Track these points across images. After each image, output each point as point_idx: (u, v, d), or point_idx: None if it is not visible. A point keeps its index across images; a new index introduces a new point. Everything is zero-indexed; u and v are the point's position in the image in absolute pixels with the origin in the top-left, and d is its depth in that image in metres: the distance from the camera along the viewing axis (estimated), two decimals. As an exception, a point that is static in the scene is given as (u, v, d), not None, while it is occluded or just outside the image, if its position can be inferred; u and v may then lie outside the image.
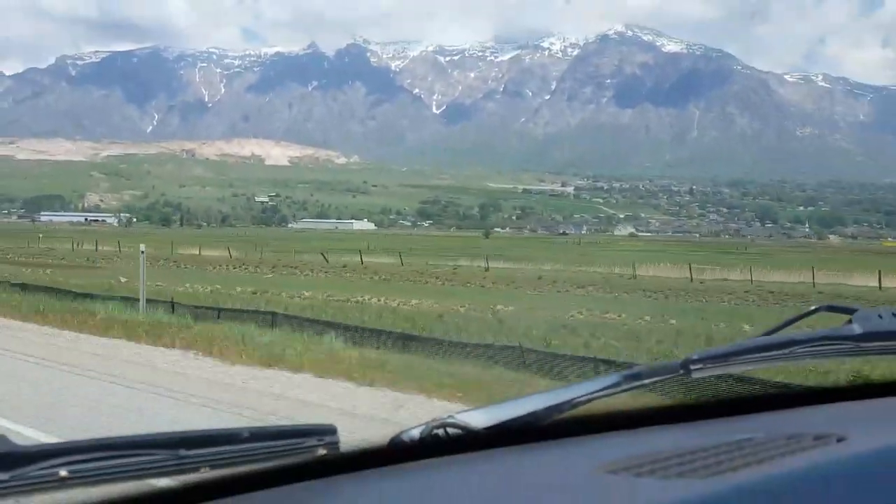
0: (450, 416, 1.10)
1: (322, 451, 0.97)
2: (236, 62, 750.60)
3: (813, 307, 1.47)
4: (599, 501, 0.91)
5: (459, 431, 1.09)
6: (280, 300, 20.07)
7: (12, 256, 47.56)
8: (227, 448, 0.90)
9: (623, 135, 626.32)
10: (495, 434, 1.10)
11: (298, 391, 8.95)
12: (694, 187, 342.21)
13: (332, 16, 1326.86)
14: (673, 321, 18.72)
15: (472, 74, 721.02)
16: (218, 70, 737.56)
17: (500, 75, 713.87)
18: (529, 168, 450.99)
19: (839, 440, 1.04)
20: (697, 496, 0.85)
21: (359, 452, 1.00)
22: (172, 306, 15.51)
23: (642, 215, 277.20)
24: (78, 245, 63.28)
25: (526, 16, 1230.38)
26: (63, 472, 0.80)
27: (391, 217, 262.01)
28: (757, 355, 1.26)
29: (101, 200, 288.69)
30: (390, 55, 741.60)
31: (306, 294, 24.39)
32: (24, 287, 19.38)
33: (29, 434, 6.50)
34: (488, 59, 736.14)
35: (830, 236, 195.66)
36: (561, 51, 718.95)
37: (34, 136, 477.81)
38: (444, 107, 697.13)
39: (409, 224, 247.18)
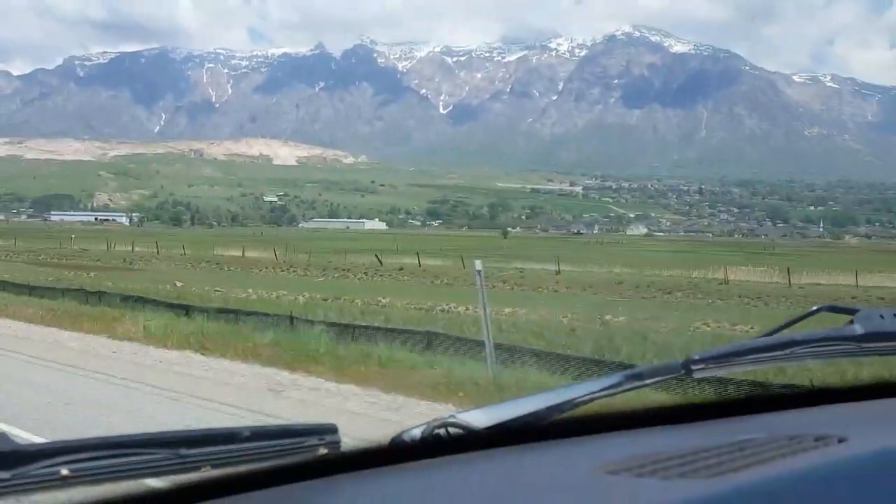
0: (451, 416, 1.11)
1: (323, 451, 0.97)
2: (243, 63, 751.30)
3: (814, 308, 1.47)
4: (600, 502, 0.90)
5: (460, 431, 1.09)
6: (366, 309, 18.31)
7: (45, 258, 46.79)
8: (229, 447, 0.90)
9: (631, 135, 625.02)
10: (496, 434, 1.09)
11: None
12: (703, 187, 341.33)
13: (338, 17, 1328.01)
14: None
15: (479, 75, 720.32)
16: (225, 71, 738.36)
17: (508, 76, 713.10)
18: (537, 168, 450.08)
19: (840, 441, 1.04)
20: (698, 497, 0.85)
21: (360, 452, 1.00)
22: (292, 321, 13.19)
23: (653, 215, 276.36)
24: (111, 246, 61.81)
25: (533, 16, 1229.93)
26: (64, 471, 0.80)
27: (400, 217, 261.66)
28: (758, 356, 1.26)
29: (110, 200, 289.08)
30: (397, 56, 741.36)
31: (383, 301, 22.40)
32: (142, 301, 16.52)
33: None
34: (495, 59, 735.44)
35: (847, 236, 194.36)
36: (568, 51, 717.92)
37: (42, 137, 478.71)
38: (451, 107, 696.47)
39: (418, 224, 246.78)
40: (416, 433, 1.06)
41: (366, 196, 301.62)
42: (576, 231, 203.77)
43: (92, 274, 31.24)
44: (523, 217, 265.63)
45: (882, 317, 1.31)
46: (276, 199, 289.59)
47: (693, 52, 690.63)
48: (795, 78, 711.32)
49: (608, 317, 19.52)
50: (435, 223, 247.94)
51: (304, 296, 23.03)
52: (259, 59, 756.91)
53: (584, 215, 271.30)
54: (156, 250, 55.57)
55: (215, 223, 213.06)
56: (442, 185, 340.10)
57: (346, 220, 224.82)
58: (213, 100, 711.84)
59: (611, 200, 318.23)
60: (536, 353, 10.04)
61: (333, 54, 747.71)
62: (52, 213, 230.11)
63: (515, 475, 1.01)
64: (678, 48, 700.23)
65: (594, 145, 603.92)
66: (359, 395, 8.66)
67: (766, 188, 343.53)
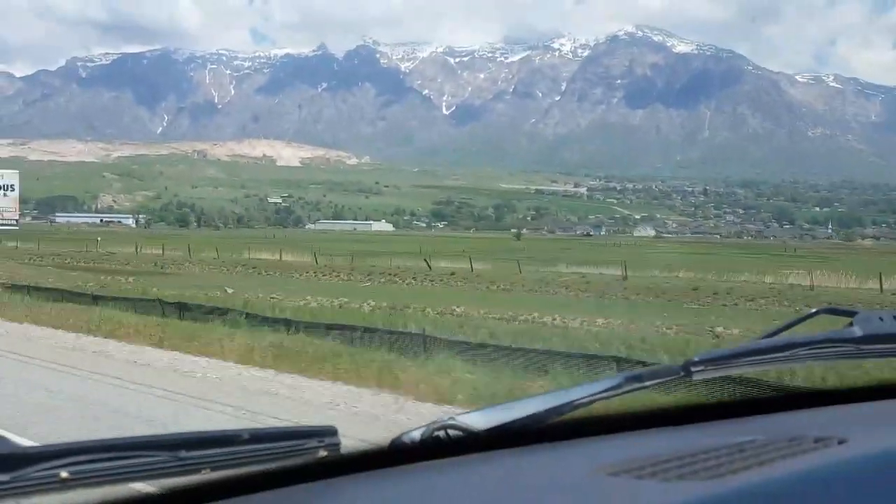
0: (450, 418, 1.10)
1: (323, 453, 0.97)
2: (246, 64, 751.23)
3: (813, 310, 1.49)
4: (600, 503, 0.90)
5: (460, 433, 1.09)
6: (464, 321, 16.74)
7: (71, 261, 45.23)
8: (228, 449, 0.90)
9: (634, 135, 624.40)
10: (496, 436, 1.09)
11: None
12: (707, 188, 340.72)
13: (341, 17, 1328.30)
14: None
15: (482, 75, 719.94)
16: (228, 72, 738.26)
17: (510, 76, 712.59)
18: (540, 169, 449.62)
19: (840, 442, 1.04)
20: (698, 499, 0.85)
21: (359, 454, 1.00)
22: (425, 340, 11.39)
23: (658, 216, 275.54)
24: (138, 249, 59.39)
25: (535, 17, 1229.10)
26: (64, 474, 0.80)
27: (405, 218, 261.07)
28: (758, 358, 1.26)
29: (115, 201, 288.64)
30: (400, 56, 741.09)
31: (457, 310, 20.81)
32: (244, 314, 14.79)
33: None
34: (498, 60, 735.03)
35: (858, 238, 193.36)
36: (571, 52, 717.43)
37: (45, 138, 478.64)
38: (454, 108, 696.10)
39: (423, 225, 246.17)
40: (416, 435, 1.06)
41: (370, 197, 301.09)
42: (585, 233, 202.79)
43: (130, 279, 30.27)
44: (528, 218, 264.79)
45: (881, 319, 1.32)
46: (280, 200, 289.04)
47: (696, 52, 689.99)
48: (798, 78, 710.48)
49: (719, 328, 18.08)
50: (440, 224, 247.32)
51: (369, 304, 21.54)
52: (261, 60, 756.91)
53: (590, 216, 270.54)
54: (186, 253, 53.76)
55: (221, 225, 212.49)
56: (446, 186, 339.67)
57: (352, 221, 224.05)
58: (216, 101, 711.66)
59: (615, 201, 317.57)
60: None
61: (336, 55, 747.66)
62: (58, 214, 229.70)
63: (515, 477, 1.01)
64: (681, 48, 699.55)
65: (597, 145, 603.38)
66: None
67: (771, 189, 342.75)
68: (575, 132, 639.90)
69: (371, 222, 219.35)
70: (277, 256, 51.53)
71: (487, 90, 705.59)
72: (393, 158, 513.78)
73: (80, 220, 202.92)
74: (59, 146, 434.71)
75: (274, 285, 29.72)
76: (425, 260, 43.02)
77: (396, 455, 1.03)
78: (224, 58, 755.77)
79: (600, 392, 1.16)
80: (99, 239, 58.41)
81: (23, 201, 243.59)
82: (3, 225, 26.11)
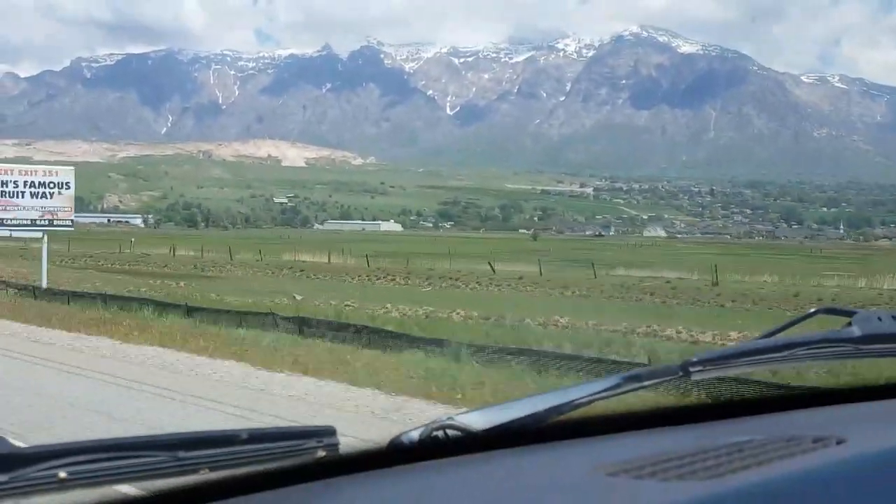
0: (449, 418, 1.10)
1: (321, 453, 0.96)
2: (250, 64, 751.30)
3: (812, 309, 1.49)
4: (599, 503, 0.90)
5: (459, 433, 1.08)
6: (559, 334, 15.36)
7: (104, 263, 43.87)
8: (227, 450, 0.90)
9: (639, 136, 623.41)
10: (495, 436, 1.09)
11: None
12: (714, 188, 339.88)
13: (345, 17, 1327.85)
14: None
15: (487, 76, 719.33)
16: (232, 72, 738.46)
17: (515, 77, 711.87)
18: (544, 169, 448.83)
19: (839, 442, 1.03)
20: (697, 498, 0.84)
21: (358, 454, 0.99)
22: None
23: (666, 216, 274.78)
24: (173, 251, 57.33)
25: (540, 17, 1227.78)
26: (62, 474, 0.80)
27: (411, 218, 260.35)
28: (756, 357, 1.25)
29: (121, 201, 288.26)
30: (404, 57, 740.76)
31: (561, 321, 19.24)
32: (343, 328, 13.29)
33: None
34: (502, 60, 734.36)
35: (874, 239, 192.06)
36: (576, 52, 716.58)
37: (50, 138, 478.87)
38: (458, 108, 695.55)
39: (430, 225, 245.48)
40: (415, 435, 1.06)
41: (375, 197, 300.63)
42: (596, 233, 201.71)
43: (181, 283, 29.01)
44: (535, 219, 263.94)
45: (880, 319, 1.33)
46: (286, 200, 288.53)
47: (701, 52, 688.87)
48: (804, 78, 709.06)
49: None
50: (447, 225, 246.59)
51: (458, 313, 20.02)
52: (266, 61, 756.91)
53: (597, 217, 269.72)
54: (219, 255, 51.81)
55: (230, 225, 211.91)
56: (451, 186, 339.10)
57: (360, 221, 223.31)
58: (220, 101, 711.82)
59: (622, 202, 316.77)
60: None
61: (340, 55, 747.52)
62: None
63: (514, 477, 1.01)
64: (686, 48, 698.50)
65: (602, 146, 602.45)
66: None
67: (777, 189, 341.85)
68: (580, 133, 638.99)
69: (380, 222, 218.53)
70: (315, 258, 49.83)
71: (492, 90, 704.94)
72: (397, 159, 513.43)
73: (87, 220, 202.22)
74: (65, 146, 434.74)
75: (336, 290, 28.43)
76: (489, 263, 40.30)
77: (395, 455, 1.03)
78: (228, 58, 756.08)
79: (599, 392, 1.16)
80: (133, 240, 56.46)
81: None
82: (57, 226, 24.27)
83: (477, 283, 36.02)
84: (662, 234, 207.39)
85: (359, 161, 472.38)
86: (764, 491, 0.86)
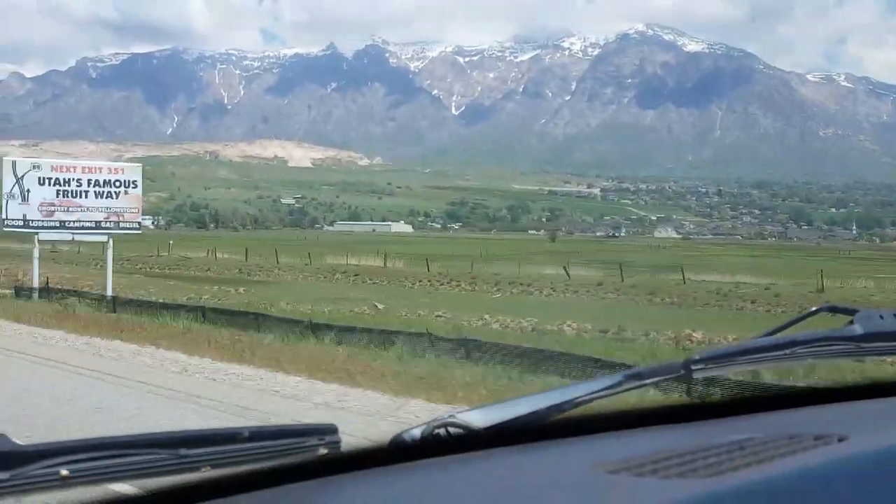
0: (451, 416, 1.10)
1: (323, 451, 0.97)
2: (255, 64, 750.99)
3: (814, 308, 1.49)
4: (600, 501, 0.90)
5: (460, 431, 1.08)
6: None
7: (144, 267, 42.28)
8: (228, 447, 0.90)
9: (645, 135, 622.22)
10: (496, 433, 1.09)
11: None
12: (721, 188, 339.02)
13: (350, 17, 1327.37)
14: None
15: (492, 75, 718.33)
16: (237, 72, 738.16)
17: (520, 76, 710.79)
18: (550, 169, 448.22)
19: (840, 440, 1.03)
20: (698, 496, 0.85)
21: (360, 452, 1.00)
22: None
23: (675, 217, 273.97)
24: (211, 254, 54.50)
25: (545, 16, 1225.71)
26: (64, 472, 0.80)
27: (419, 219, 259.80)
28: (758, 356, 1.26)
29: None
30: (409, 56, 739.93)
31: (695, 335, 16.89)
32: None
33: None
34: (508, 59, 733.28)
35: (893, 240, 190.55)
36: (581, 51, 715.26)
37: (56, 138, 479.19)
38: (464, 107, 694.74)
39: (438, 226, 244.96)
40: (416, 433, 1.06)
41: (382, 198, 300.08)
42: (610, 234, 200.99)
43: (241, 289, 27.52)
44: (544, 219, 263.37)
45: (882, 317, 1.32)
46: (293, 201, 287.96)
47: (707, 51, 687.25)
48: (809, 77, 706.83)
49: None
50: (455, 226, 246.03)
51: (569, 326, 17.90)
52: (271, 60, 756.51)
53: (605, 217, 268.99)
54: (259, 258, 49.48)
55: (240, 226, 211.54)
56: (458, 186, 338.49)
57: (370, 222, 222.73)
58: (226, 101, 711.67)
59: (629, 202, 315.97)
60: None
61: (345, 55, 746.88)
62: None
63: (515, 475, 1.01)
64: (692, 47, 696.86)
65: (608, 145, 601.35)
66: None
67: (785, 190, 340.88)
68: (585, 132, 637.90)
69: (390, 223, 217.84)
70: (360, 261, 48.07)
71: (497, 90, 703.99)
72: (403, 158, 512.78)
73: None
74: (72, 147, 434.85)
75: (409, 297, 26.51)
76: (564, 268, 37.66)
77: (397, 453, 1.03)
78: (233, 58, 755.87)
79: (601, 390, 1.16)
80: (171, 242, 54.21)
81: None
82: (123, 229, 22.15)
83: (551, 288, 33.23)
84: (674, 234, 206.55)
85: (365, 161, 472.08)
86: (765, 489, 0.86)
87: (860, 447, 0.99)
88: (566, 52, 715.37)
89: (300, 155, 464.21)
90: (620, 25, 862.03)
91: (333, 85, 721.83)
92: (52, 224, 21.71)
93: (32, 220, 21.49)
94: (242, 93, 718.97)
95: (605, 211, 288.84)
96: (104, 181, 21.70)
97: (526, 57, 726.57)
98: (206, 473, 0.87)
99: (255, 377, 10.76)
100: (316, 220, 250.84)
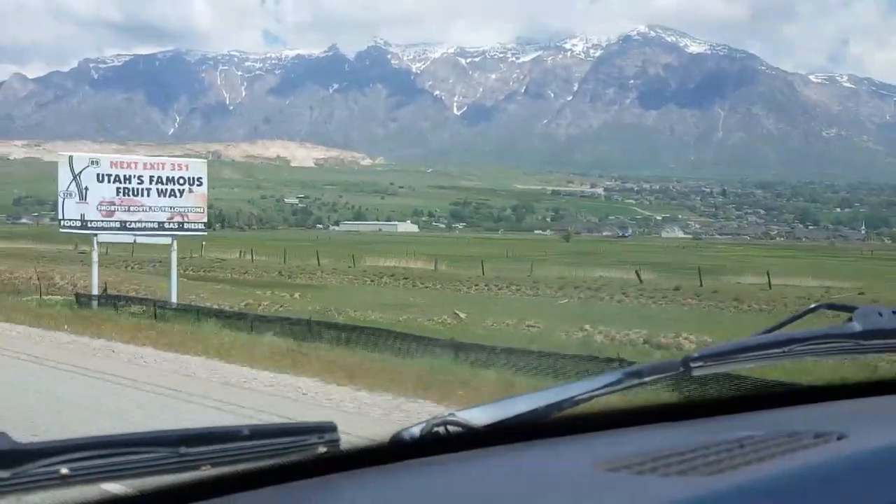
0: (450, 414, 1.10)
1: (323, 449, 0.96)
2: (257, 65, 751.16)
3: (813, 305, 1.48)
4: (600, 499, 0.90)
5: (460, 429, 1.08)
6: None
7: (179, 269, 40.87)
8: (228, 446, 0.89)
9: (647, 136, 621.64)
10: (496, 432, 1.09)
11: None
12: (726, 189, 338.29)
13: (352, 18, 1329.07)
14: None
15: (494, 76, 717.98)
16: (239, 73, 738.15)
17: (522, 77, 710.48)
18: (553, 170, 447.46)
19: (840, 438, 1.03)
20: (698, 494, 0.84)
21: (359, 450, 0.99)
22: None
23: (680, 217, 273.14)
24: (243, 255, 52.03)
25: (547, 17, 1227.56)
26: (64, 470, 0.80)
27: (423, 219, 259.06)
28: (757, 353, 1.25)
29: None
30: (411, 57, 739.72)
31: None
32: None
33: None
34: (509, 60, 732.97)
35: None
36: (583, 52, 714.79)
37: (58, 139, 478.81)
38: (465, 108, 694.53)
39: (442, 226, 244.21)
40: (416, 431, 1.06)
41: (386, 198, 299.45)
42: (619, 234, 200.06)
43: (296, 295, 25.99)
44: (548, 219, 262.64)
45: (880, 314, 1.32)
46: (297, 201, 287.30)
47: (709, 52, 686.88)
48: (812, 78, 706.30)
49: None
50: (460, 226, 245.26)
51: (688, 339, 16.08)
52: (273, 61, 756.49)
53: (610, 217, 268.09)
54: (289, 259, 46.78)
55: (245, 226, 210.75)
56: (461, 187, 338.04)
57: (375, 222, 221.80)
58: (227, 102, 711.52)
59: (634, 202, 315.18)
60: None
61: (347, 56, 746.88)
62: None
63: (514, 473, 1.01)
64: (694, 48, 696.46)
65: (610, 146, 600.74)
66: None
67: (789, 190, 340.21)
68: (587, 133, 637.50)
69: (396, 223, 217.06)
70: (401, 263, 45.75)
71: (499, 91, 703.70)
72: (405, 159, 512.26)
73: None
74: (74, 147, 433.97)
75: (474, 303, 24.32)
76: (636, 272, 34.69)
77: (396, 451, 1.03)
78: (235, 59, 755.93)
79: (600, 388, 1.15)
80: (204, 243, 51.32)
81: (39, 203, 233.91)
82: (188, 230, 20.36)
83: (623, 293, 30.75)
84: (681, 234, 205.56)
85: (367, 161, 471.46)
86: (765, 487, 0.86)
87: (860, 445, 0.99)
88: (568, 54, 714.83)
89: (303, 155, 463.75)
90: (623, 27, 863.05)
91: (335, 86, 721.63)
92: (113, 225, 19.99)
93: (91, 221, 19.80)
94: (244, 94, 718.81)
95: (609, 211, 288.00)
96: (167, 178, 20.01)
97: (528, 58, 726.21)
98: (207, 472, 0.87)
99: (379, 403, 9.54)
100: (320, 219, 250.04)
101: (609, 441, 1.13)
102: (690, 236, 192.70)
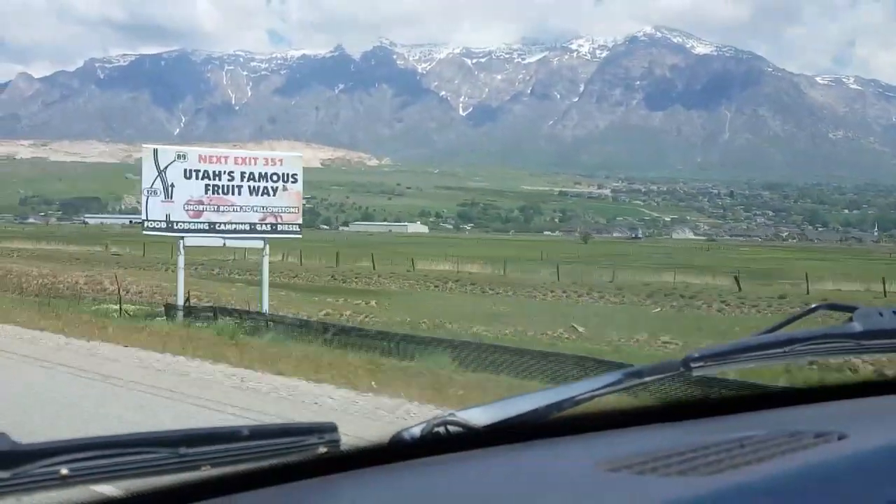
0: (451, 414, 1.10)
1: (323, 449, 0.96)
2: (263, 65, 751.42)
3: (813, 305, 1.48)
4: (600, 499, 0.90)
5: (460, 429, 1.08)
6: None
7: (221, 272, 38.47)
8: (229, 446, 0.89)
9: (653, 137, 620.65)
10: (496, 432, 1.09)
11: None
12: (733, 190, 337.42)
13: (357, 18, 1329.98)
14: None
15: (499, 76, 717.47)
16: (244, 73, 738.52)
17: (528, 77, 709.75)
18: (559, 171, 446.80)
19: (840, 438, 1.03)
20: (699, 494, 0.84)
21: (360, 451, 0.99)
22: None
23: (689, 218, 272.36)
24: (285, 257, 48.88)
25: (553, 18, 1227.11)
26: (64, 471, 0.79)
27: (431, 220, 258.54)
28: (758, 353, 1.25)
29: (139, 202, 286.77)
30: (416, 57, 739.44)
31: None
32: None
33: None
34: (515, 61, 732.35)
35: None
36: (589, 53, 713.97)
37: (65, 138, 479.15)
38: (471, 109, 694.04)
39: (450, 227, 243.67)
40: (416, 431, 1.06)
41: (393, 199, 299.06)
42: (633, 235, 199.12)
43: (372, 302, 24.74)
44: (556, 220, 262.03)
45: (881, 314, 1.32)
46: (304, 201, 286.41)
47: (715, 53, 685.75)
48: (818, 80, 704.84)
49: None
50: (468, 227, 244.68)
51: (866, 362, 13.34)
52: (278, 61, 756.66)
53: (618, 218, 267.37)
54: (361, 264, 44.48)
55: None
56: (468, 187, 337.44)
57: (384, 223, 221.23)
58: (233, 102, 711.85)
59: (641, 203, 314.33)
60: None
61: (352, 56, 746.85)
62: (86, 215, 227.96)
63: (515, 473, 1.00)
64: (700, 49, 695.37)
65: (616, 147, 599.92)
66: None
67: (797, 191, 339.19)
68: (593, 134, 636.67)
69: (406, 224, 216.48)
70: (457, 266, 43.36)
71: (505, 91, 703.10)
72: (411, 159, 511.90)
73: (117, 222, 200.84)
74: (81, 147, 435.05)
75: (561, 313, 22.66)
76: (735, 278, 32.07)
77: (396, 451, 1.03)
78: (241, 59, 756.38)
79: (600, 388, 1.15)
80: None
81: (46, 202, 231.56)
82: (281, 233, 18.60)
83: (723, 302, 28.34)
84: (691, 236, 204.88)
85: (374, 162, 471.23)
86: (765, 486, 0.86)
87: (860, 445, 0.99)
88: (574, 54, 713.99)
89: (309, 155, 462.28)
90: (629, 28, 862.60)
91: (341, 86, 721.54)
92: (201, 227, 18.02)
93: (177, 222, 17.90)
94: (250, 94, 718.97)
95: (617, 212, 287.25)
96: (259, 174, 18.05)
97: (534, 59, 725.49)
98: (207, 472, 0.87)
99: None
100: (328, 220, 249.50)
101: (609, 441, 1.13)
102: (704, 238, 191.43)
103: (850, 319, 1.29)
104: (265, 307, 18.26)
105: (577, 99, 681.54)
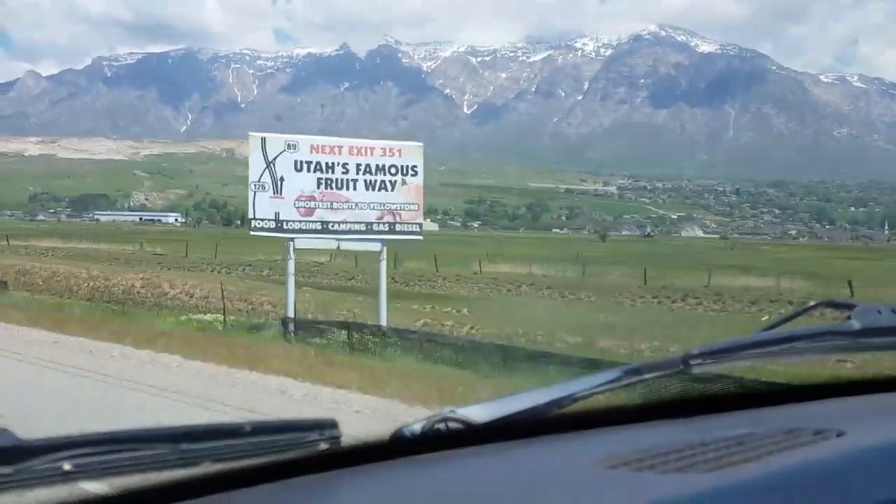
0: (451, 411, 1.10)
1: (324, 446, 0.96)
2: (269, 63, 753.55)
3: (812, 302, 1.48)
4: (600, 496, 0.90)
5: (460, 426, 1.08)
6: None
7: (269, 273, 35.67)
8: (229, 442, 0.90)
9: (658, 135, 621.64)
10: (496, 428, 1.09)
11: None
12: (739, 188, 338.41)
13: (363, 17, 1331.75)
14: None
15: (504, 75, 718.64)
16: (251, 71, 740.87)
17: (533, 76, 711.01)
18: (564, 168, 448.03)
19: (839, 435, 1.04)
20: (698, 491, 0.84)
21: (360, 447, 0.99)
22: None
23: (695, 216, 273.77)
24: (333, 258, 45.41)
25: (558, 16, 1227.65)
26: (67, 466, 0.80)
27: (439, 217, 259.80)
28: (757, 350, 1.25)
29: (147, 199, 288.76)
30: (422, 56, 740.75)
31: None
32: None
33: None
34: (520, 59, 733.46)
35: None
36: (594, 51, 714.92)
37: (73, 136, 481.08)
38: (476, 107, 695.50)
39: (458, 224, 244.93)
40: (416, 428, 1.06)
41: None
42: (645, 233, 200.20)
43: (464, 310, 23.08)
44: (563, 218, 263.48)
45: (880, 312, 1.32)
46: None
47: (719, 51, 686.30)
48: (822, 78, 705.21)
49: None
50: (475, 224, 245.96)
51: None
52: (284, 60, 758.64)
53: (625, 216, 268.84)
54: (417, 264, 41.03)
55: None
56: (474, 185, 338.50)
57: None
58: (239, 100, 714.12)
59: (648, 201, 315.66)
60: None
61: (358, 54, 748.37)
62: (96, 213, 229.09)
63: (514, 470, 1.01)
64: (704, 48, 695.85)
65: (621, 145, 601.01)
66: None
67: (802, 189, 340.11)
68: (598, 132, 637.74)
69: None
70: (515, 269, 41.07)
71: (509, 90, 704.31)
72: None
73: (128, 219, 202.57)
74: (89, 144, 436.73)
75: (678, 324, 20.91)
76: (849, 283, 29.74)
77: (397, 447, 1.03)
78: (247, 57, 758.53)
79: (599, 385, 1.15)
80: (291, 243, 46.12)
81: (55, 199, 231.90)
82: (400, 233, 15.78)
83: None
84: (700, 234, 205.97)
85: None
86: (764, 483, 0.86)
87: (858, 442, 0.99)
88: (578, 53, 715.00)
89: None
90: (633, 26, 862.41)
91: (346, 84, 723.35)
92: (313, 226, 15.53)
93: (287, 221, 15.37)
94: (256, 92, 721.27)
95: (623, 209, 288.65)
96: (376, 166, 15.68)
97: (538, 57, 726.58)
98: (208, 468, 0.88)
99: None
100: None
101: (609, 438, 1.13)
102: (717, 236, 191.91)
103: (849, 317, 1.30)
104: (383, 320, 15.83)
105: (581, 97, 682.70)
